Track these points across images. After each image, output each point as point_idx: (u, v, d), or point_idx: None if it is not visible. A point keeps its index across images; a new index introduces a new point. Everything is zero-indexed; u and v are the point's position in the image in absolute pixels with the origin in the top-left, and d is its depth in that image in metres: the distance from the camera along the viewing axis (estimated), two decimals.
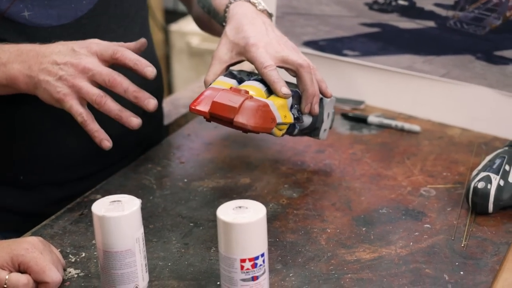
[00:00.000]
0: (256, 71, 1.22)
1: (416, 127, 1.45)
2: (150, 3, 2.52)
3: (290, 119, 1.19)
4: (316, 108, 1.23)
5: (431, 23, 1.45)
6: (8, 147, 1.30)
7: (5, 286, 1.00)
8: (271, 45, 1.22)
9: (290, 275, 1.07)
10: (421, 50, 1.47)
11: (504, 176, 1.19)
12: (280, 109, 1.16)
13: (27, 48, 1.16)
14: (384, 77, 1.52)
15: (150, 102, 1.17)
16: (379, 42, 1.51)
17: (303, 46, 1.58)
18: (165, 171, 1.34)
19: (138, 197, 1.23)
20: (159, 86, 1.45)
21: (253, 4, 1.29)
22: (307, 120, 1.24)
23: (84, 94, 1.14)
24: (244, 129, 1.11)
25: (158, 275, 1.08)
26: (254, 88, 1.18)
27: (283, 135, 1.20)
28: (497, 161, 1.22)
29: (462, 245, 1.12)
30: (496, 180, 1.18)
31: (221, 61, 1.24)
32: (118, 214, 0.99)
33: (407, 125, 1.45)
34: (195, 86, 1.67)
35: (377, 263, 1.09)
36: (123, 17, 1.34)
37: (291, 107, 1.20)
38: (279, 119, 1.15)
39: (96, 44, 1.17)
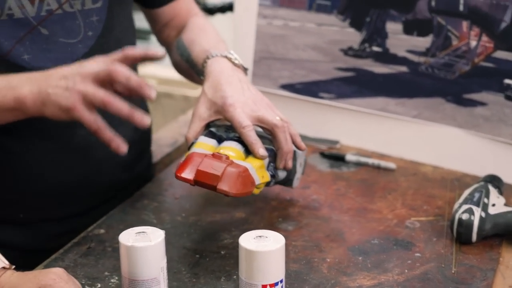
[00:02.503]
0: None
1: (391, 165, 1.55)
2: None
3: (267, 178, 1.26)
4: (290, 164, 1.30)
5: (403, 68, 1.56)
6: (7, 186, 1.34)
7: None
8: (247, 105, 1.28)
9: None
10: (394, 93, 1.58)
11: (485, 208, 1.30)
12: (258, 171, 1.24)
13: (38, 73, 1.18)
14: (358, 118, 1.62)
15: (145, 118, 1.16)
16: (353, 86, 1.61)
17: (280, 89, 1.67)
18: (162, 206, 1.40)
19: None
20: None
21: (230, 59, 1.36)
22: (281, 174, 1.32)
23: (91, 97, 1.13)
24: (227, 195, 1.19)
25: None
26: (233, 149, 1.25)
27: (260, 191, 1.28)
28: (476, 195, 1.32)
29: (453, 272, 1.21)
30: (478, 212, 1.29)
31: (201, 119, 1.31)
32: (146, 245, 1.05)
33: (383, 163, 1.55)
34: (174, 126, 1.74)
35: None
36: None
37: (268, 165, 1.27)
38: (257, 181, 1.23)
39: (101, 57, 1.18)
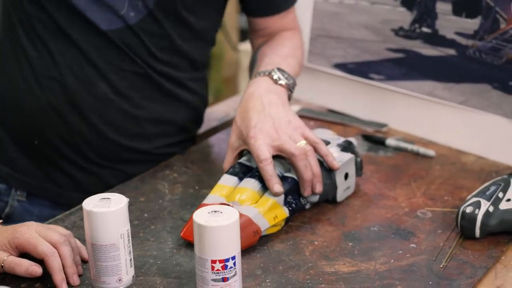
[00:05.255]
0: None
1: (430, 152, 1.48)
2: (225, 23, 2.62)
3: (283, 215, 1.23)
4: (318, 187, 1.26)
5: (452, 51, 1.48)
6: (26, 107, 1.40)
7: (2, 265, 1.10)
8: (268, 135, 1.26)
9: (267, 280, 1.13)
10: (442, 77, 1.51)
11: (495, 203, 1.21)
12: (268, 213, 1.21)
13: None
14: (406, 101, 1.56)
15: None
16: (403, 68, 1.55)
17: (333, 68, 1.64)
18: (181, 178, 1.42)
19: (148, 200, 1.33)
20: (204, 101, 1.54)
21: (271, 77, 1.34)
22: (313, 198, 1.29)
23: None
24: None
25: (146, 271, 1.15)
26: (246, 190, 1.23)
27: (287, 222, 1.26)
28: (492, 188, 1.24)
29: (441, 266, 1.15)
30: (485, 206, 1.20)
31: (233, 149, 1.32)
32: (104, 210, 1.07)
33: (422, 149, 1.48)
34: (230, 100, 1.76)
35: (353, 277, 1.13)
36: None
37: (285, 199, 1.24)
38: (266, 225, 1.20)
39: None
